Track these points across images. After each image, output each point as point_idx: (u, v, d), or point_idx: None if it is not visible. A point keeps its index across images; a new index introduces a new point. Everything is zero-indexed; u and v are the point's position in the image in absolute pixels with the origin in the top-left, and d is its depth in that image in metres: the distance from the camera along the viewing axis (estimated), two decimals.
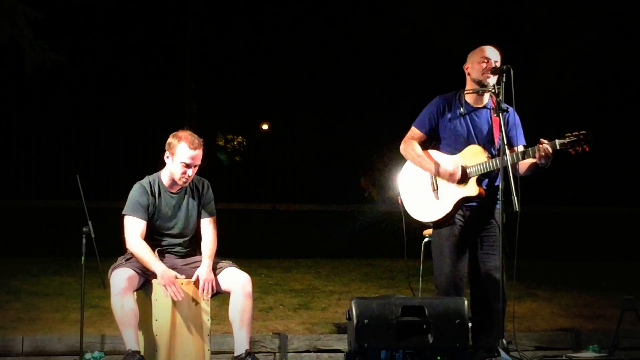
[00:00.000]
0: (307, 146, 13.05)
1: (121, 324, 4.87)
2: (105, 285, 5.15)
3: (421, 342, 4.66)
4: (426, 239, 6.16)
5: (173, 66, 15.00)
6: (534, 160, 5.12)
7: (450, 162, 5.21)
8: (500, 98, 5.05)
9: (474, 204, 5.21)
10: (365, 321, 4.62)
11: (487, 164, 5.11)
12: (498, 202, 5.08)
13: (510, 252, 5.14)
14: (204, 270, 5.04)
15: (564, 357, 5.85)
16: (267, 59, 16.10)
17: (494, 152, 5.21)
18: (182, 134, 5.13)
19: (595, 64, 13.11)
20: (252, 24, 16.00)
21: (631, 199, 12.43)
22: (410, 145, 5.35)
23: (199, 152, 5.09)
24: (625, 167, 13.04)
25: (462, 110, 5.25)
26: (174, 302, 4.96)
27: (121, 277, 4.90)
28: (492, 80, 5.18)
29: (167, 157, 5.14)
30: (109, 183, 11.65)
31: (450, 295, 5.09)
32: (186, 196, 5.20)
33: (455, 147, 5.25)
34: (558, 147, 4.98)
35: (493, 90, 5.09)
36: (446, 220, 5.23)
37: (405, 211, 5.39)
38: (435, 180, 5.27)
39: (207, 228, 5.21)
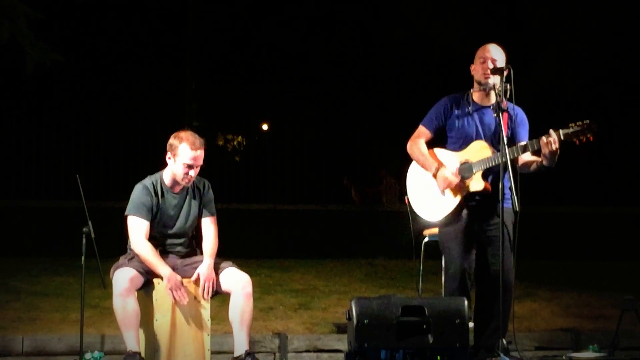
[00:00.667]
0: (307, 146, 13.05)
1: (122, 324, 4.87)
2: (105, 285, 5.15)
3: (421, 342, 4.66)
4: (426, 239, 6.18)
5: (173, 66, 15.01)
6: (539, 158, 5.12)
7: (454, 161, 5.21)
8: (501, 98, 5.05)
9: (479, 198, 5.19)
10: (365, 321, 4.62)
11: (492, 158, 5.11)
12: (504, 200, 5.07)
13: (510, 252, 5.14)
14: (204, 269, 5.04)
15: (564, 357, 5.85)
16: (267, 59, 16.12)
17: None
18: (184, 134, 5.13)
19: (595, 63, 13.12)
20: (252, 24, 16.02)
21: (631, 199, 12.43)
22: (416, 144, 5.37)
23: (200, 153, 5.09)
24: (625, 167, 13.05)
25: (469, 108, 5.27)
26: (175, 302, 4.96)
27: (124, 278, 4.90)
28: (493, 80, 5.18)
29: (169, 158, 5.13)
30: (109, 183, 11.66)
31: (458, 291, 5.11)
32: (188, 196, 5.20)
33: (462, 145, 5.26)
34: (562, 137, 4.97)
35: (499, 90, 5.07)
36: (453, 217, 5.23)
37: (412, 211, 5.40)
38: None
39: (209, 228, 5.21)
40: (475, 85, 5.31)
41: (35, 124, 11.93)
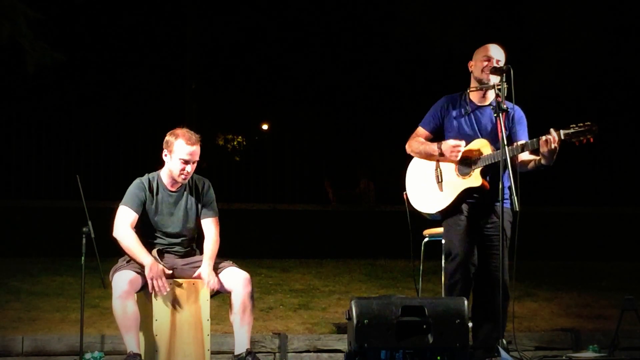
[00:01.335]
0: (307, 146, 13.05)
1: (122, 327, 4.87)
2: (105, 285, 5.15)
3: (421, 342, 4.66)
4: (426, 239, 6.18)
5: (173, 66, 15.02)
6: (537, 157, 5.12)
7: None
8: (501, 97, 5.05)
9: (477, 196, 5.20)
10: (365, 321, 4.62)
11: (492, 155, 5.11)
12: (503, 200, 5.07)
13: (510, 252, 5.14)
14: (205, 270, 5.03)
15: (564, 357, 5.84)
16: (267, 59, 16.11)
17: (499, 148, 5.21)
18: (179, 131, 5.15)
19: (595, 63, 13.12)
20: (252, 24, 16.02)
21: (631, 199, 12.43)
22: (413, 139, 5.42)
23: (196, 148, 5.10)
24: (625, 167, 13.05)
25: (467, 108, 5.28)
26: (174, 302, 4.96)
27: (123, 280, 4.89)
28: (493, 79, 5.18)
29: (165, 155, 5.15)
30: (109, 183, 11.66)
31: (460, 286, 5.12)
32: (185, 195, 5.20)
33: None
34: (562, 137, 4.98)
35: (498, 89, 5.07)
36: (451, 211, 5.24)
37: (410, 207, 5.41)
38: (440, 172, 5.30)
39: (210, 228, 5.21)
40: (473, 83, 5.32)
41: (35, 124, 11.93)
